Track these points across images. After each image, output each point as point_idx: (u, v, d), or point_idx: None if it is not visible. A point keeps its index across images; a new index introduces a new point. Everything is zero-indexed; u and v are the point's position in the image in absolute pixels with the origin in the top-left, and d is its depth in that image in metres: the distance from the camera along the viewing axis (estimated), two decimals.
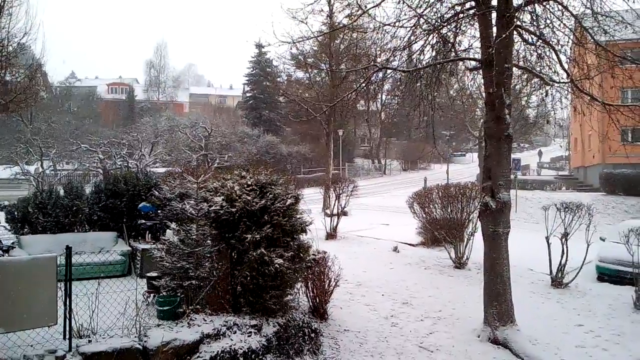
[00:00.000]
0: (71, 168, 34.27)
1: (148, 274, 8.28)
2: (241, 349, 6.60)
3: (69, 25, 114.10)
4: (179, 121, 47.28)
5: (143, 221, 11.57)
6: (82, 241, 10.97)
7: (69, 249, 6.30)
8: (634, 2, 7.98)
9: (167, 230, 8.37)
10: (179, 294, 7.27)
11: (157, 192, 11.48)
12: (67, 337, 5.97)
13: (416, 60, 9.95)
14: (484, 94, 9.60)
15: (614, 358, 7.98)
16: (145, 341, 6.18)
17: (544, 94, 9.78)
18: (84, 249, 10.32)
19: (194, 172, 11.95)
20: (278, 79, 50.53)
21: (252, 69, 55.57)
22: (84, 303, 6.49)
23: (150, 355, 6.06)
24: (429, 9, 9.22)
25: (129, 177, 13.08)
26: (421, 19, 9.24)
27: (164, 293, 7.34)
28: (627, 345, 8.47)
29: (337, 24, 18.72)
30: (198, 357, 6.31)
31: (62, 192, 12.56)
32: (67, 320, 6.02)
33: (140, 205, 11.70)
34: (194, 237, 7.67)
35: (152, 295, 7.92)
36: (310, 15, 32.49)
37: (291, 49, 29.78)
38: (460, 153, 66.87)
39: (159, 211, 11.20)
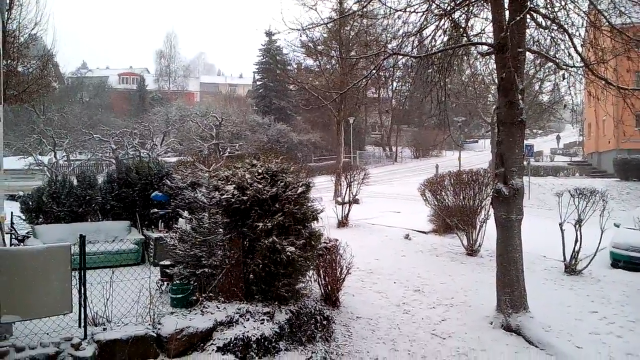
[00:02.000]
0: (84, 158, 34.51)
1: (161, 262, 8.36)
2: (254, 336, 6.64)
3: (79, 16, 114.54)
4: (190, 110, 47.36)
5: (156, 210, 11.63)
6: (95, 230, 11.07)
7: (82, 238, 6.36)
8: None
9: (180, 219, 8.42)
10: (192, 282, 7.33)
11: (169, 181, 11.58)
12: (82, 325, 6.06)
13: (428, 46, 9.84)
14: (496, 80, 9.48)
15: (628, 345, 7.92)
16: (159, 329, 6.25)
17: (558, 78, 9.64)
18: (97, 238, 10.44)
19: (205, 161, 12.02)
20: (288, 67, 50.36)
21: (262, 57, 55.39)
22: (98, 291, 6.57)
23: (164, 342, 6.13)
24: None
25: (141, 166, 13.14)
26: (433, 3, 9.12)
27: (177, 281, 7.41)
28: None
29: (346, 10, 18.56)
30: (211, 344, 6.37)
31: (75, 182, 12.67)
32: (82, 308, 6.11)
33: (152, 195, 11.76)
34: (206, 225, 7.71)
35: (165, 283, 8.00)
36: (319, 1, 32.24)
37: (301, 36, 29.70)
38: (472, 140, 66.31)
39: (171, 200, 11.28)
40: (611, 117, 14.12)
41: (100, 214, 12.51)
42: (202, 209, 8.06)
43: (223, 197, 7.57)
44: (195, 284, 7.35)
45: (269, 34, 51.01)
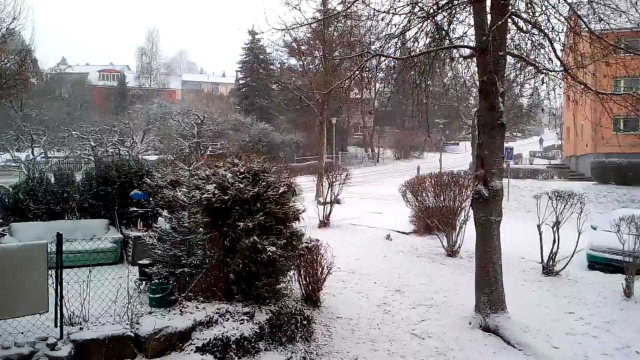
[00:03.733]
0: (62, 155, 33.96)
1: (140, 262, 8.27)
2: (233, 336, 6.61)
3: (58, 11, 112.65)
4: (171, 108, 46.96)
5: (135, 209, 11.50)
6: (73, 228, 10.90)
7: (59, 236, 6.26)
8: None
9: (159, 218, 8.35)
10: (171, 282, 7.27)
11: (149, 180, 11.43)
12: (59, 324, 5.96)
13: (410, 48, 9.90)
14: (477, 82, 9.57)
15: (603, 345, 8.06)
16: (137, 328, 6.19)
17: (538, 82, 9.77)
18: (75, 236, 10.26)
19: (186, 159, 11.92)
20: (271, 67, 50.24)
21: (245, 56, 55.18)
22: (75, 290, 6.47)
23: (142, 342, 6.07)
24: None
25: (121, 164, 12.98)
26: (416, 6, 9.18)
27: (156, 280, 7.33)
28: (616, 332, 8.55)
29: (330, 10, 18.59)
30: (190, 344, 6.32)
31: (53, 180, 12.46)
32: (59, 307, 6.00)
33: (132, 193, 11.62)
34: (186, 224, 7.65)
35: (144, 282, 7.91)
36: (303, 1, 32.19)
37: (284, 36, 29.63)
38: (453, 142, 66.98)
39: (150, 199, 11.15)
40: (589, 121, 14.37)
41: (78, 212, 12.32)
42: (182, 208, 7.99)
43: (204, 196, 7.51)
44: (175, 283, 7.28)
45: (252, 32, 50.83)
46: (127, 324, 6.27)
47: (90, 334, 5.90)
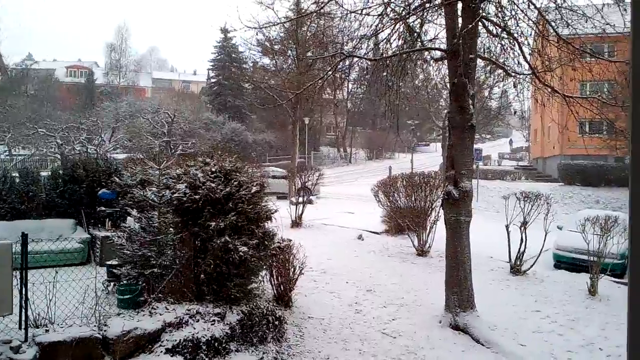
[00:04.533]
0: (27, 153, 33.03)
1: (108, 262, 8.12)
2: (204, 337, 6.54)
3: (25, 5, 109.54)
4: (141, 106, 46.12)
5: (103, 208, 11.28)
6: (39, 228, 10.63)
7: (24, 236, 6.10)
8: None
9: (128, 218, 8.21)
10: (140, 283, 7.15)
11: (117, 179, 11.23)
12: (23, 327, 5.80)
13: (383, 49, 9.98)
14: (448, 85, 9.71)
15: (568, 342, 8.28)
16: (105, 330, 6.06)
17: (507, 85, 9.97)
18: (40, 236, 10.01)
19: (156, 158, 11.74)
20: (244, 65, 49.89)
21: (217, 55, 54.63)
22: (41, 292, 6.31)
23: (110, 344, 5.95)
24: None
25: (89, 162, 12.71)
26: (388, 7, 9.25)
27: (125, 281, 7.21)
28: (580, 330, 8.80)
29: (304, 10, 18.57)
30: (160, 345, 6.23)
31: (17, 178, 12.12)
32: (23, 309, 5.84)
33: (100, 192, 11.39)
34: (156, 224, 7.55)
35: (112, 283, 7.77)
36: (276, 0, 32.09)
37: (257, 34, 29.41)
38: (424, 143, 67.75)
39: (119, 198, 10.96)
40: (556, 124, 14.73)
41: (43, 211, 12.00)
42: (152, 207, 7.88)
43: (174, 195, 7.42)
44: (144, 284, 7.17)
45: (224, 30, 50.35)
46: (95, 326, 6.13)
47: (57, 336, 5.75)
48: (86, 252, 10.52)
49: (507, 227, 12.21)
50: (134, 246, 7.45)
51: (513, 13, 9.00)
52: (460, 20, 8.79)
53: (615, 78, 9.98)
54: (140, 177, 10.50)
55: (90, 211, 11.69)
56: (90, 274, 7.27)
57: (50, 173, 13.05)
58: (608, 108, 10.12)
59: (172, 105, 43.65)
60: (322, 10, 11.12)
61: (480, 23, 8.78)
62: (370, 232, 16.56)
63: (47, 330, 5.90)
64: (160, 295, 7.06)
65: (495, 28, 9.31)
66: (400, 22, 9.35)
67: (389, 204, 15.75)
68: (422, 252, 13.87)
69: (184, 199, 7.37)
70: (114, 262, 7.81)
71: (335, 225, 18.05)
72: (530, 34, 9.41)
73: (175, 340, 6.31)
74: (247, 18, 34.59)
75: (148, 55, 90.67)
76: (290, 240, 9.16)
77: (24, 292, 5.88)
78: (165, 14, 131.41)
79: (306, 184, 18.59)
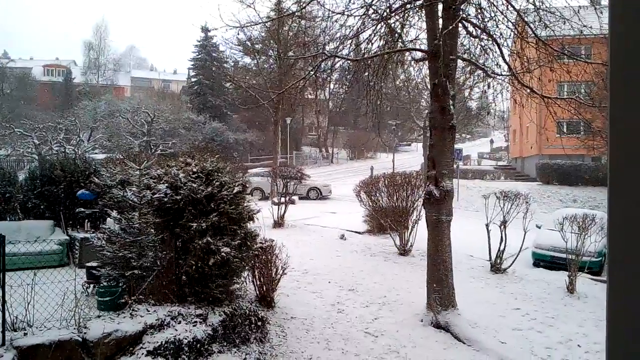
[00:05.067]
0: (3, 153, 32.40)
1: (88, 264, 8.02)
2: (186, 338, 6.49)
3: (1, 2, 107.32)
4: (120, 106, 45.48)
5: (82, 209, 11.13)
6: (16, 230, 10.44)
7: (1, 238, 5.99)
8: None
9: (108, 219, 8.11)
10: (120, 284, 7.07)
11: (96, 179, 11.09)
12: (1, 330, 5.69)
13: (364, 50, 10.02)
14: (429, 85, 9.79)
15: (547, 339, 8.42)
16: (85, 333, 5.98)
17: (487, 86, 10.09)
18: (18, 238, 9.83)
19: (136, 158, 11.61)
20: (225, 65, 49.59)
21: (197, 54, 54.17)
22: (19, 294, 6.20)
23: (90, 347, 5.88)
24: None
25: (67, 163, 12.52)
26: (370, 8, 9.29)
27: (105, 283, 7.12)
28: (559, 327, 8.95)
29: (285, 10, 18.55)
30: (141, 347, 6.17)
31: None
32: (0, 312, 5.73)
33: (78, 193, 11.23)
34: (136, 225, 7.47)
35: (92, 285, 7.67)
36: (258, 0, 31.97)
37: (238, 34, 29.26)
38: (405, 143, 68.09)
39: (98, 199, 10.82)
40: (535, 124, 14.95)
41: (21, 212, 11.81)
42: (132, 208, 7.79)
43: (155, 196, 7.35)
44: (125, 286, 7.09)
45: (205, 29, 50.02)
46: (75, 328, 6.05)
47: (35, 340, 5.66)
48: (65, 254, 10.36)
49: (487, 226, 12.36)
50: (114, 247, 7.36)
51: (493, 14, 9.12)
52: (440, 21, 8.87)
53: (593, 79, 10.17)
54: (119, 177, 10.39)
55: (69, 212, 11.52)
56: (69, 275, 7.16)
57: (27, 174, 12.81)
58: (585, 109, 10.30)
59: (152, 105, 43.16)
60: (303, 11, 11.13)
61: (460, 24, 8.88)
62: (353, 231, 16.61)
63: (25, 334, 5.81)
64: (141, 296, 6.99)
65: (475, 29, 9.42)
66: (382, 23, 9.40)
67: (371, 203, 15.80)
68: (404, 251, 13.95)
69: (165, 199, 7.31)
70: (94, 264, 7.71)
71: (317, 225, 18.06)
72: (510, 36, 9.55)
73: (157, 342, 6.26)
74: (228, 17, 34.37)
75: (127, 53, 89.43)
76: (273, 241, 9.14)
77: (1, 295, 5.77)
78: (144, 12, 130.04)
79: (288, 184, 18.51)
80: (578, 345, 8.25)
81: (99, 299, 6.88)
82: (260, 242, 8.61)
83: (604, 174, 26.16)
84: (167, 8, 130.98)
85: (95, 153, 31.25)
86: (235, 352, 7.09)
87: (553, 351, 8.02)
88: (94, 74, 72.39)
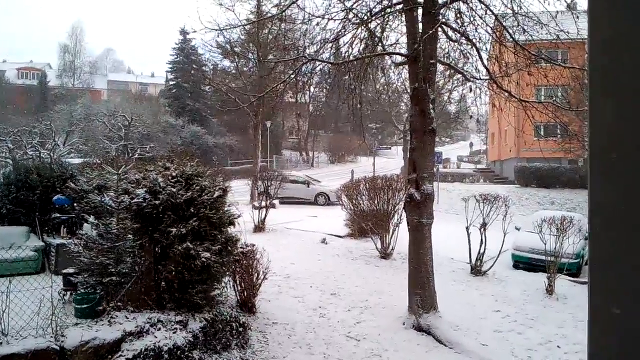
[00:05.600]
0: None
1: (64, 271, 7.83)
2: (166, 345, 6.38)
3: None
4: (97, 109, 44.88)
5: (58, 215, 10.90)
6: None
7: None
8: (548, 4, 8.48)
9: (85, 224, 7.95)
10: (98, 291, 6.93)
11: (73, 184, 10.88)
12: None
13: (345, 53, 10.03)
14: (408, 89, 9.84)
15: (528, 340, 8.50)
16: (62, 341, 5.84)
17: (466, 89, 10.18)
18: None
19: (114, 163, 11.44)
20: (204, 68, 49.25)
21: (176, 56, 53.76)
22: None
23: (67, 355, 5.74)
24: (358, 2, 9.31)
25: (43, 168, 12.26)
26: (350, 12, 9.31)
27: (82, 290, 6.97)
28: (539, 328, 9.05)
29: (265, 13, 18.50)
30: (120, 355, 6.04)
31: None
32: None
33: (54, 198, 11.00)
34: (114, 231, 7.33)
35: (69, 292, 7.50)
36: (237, 2, 31.91)
37: (218, 36, 29.14)
38: (386, 146, 68.50)
39: (75, 204, 10.61)
40: (513, 127, 15.15)
41: None
42: (109, 213, 7.65)
43: (133, 201, 7.22)
44: (103, 293, 6.94)
45: (184, 32, 49.68)
46: (52, 337, 5.89)
47: (11, 349, 5.50)
48: (40, 261, 10.12)
49: (467, 228, 12.46)
50: (91, 253, 7.21)
51: (472, 19, 9.21)
52: (420, 25, 8.92)
53: (569, 83, 10.34)
54: (97, 182, 10.20)
55: (45, 218, 11.26)
56: (45, 283, 6.97)
57: (1, 179, 12.50)
58: (562, 112, 10.47)
59: (129, 108, 42.64)
60: (283, 14, 11.10)
61: (440, 29, 8.94)
62: (334, 235, 16.58)
63: (0, 343, 5.64)
64: (119, 303, 6.85)
65: (455, 34, 9.51)
66: (362, 27, 9.43)
67: (352, 207, 15.82)
68: (385, 254, 13.98)
69: (144, 204, 7.18)
70: (71, 270, 7.54)
71: (298, 229, 17.99)
72: (489, 40, 9.66)
73: (136, 349, 6.13)
74: (207, 19, 34.10)
75: (104, 56, 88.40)
76: (254, 245, 9.06)
77: None
78: (121, 14, 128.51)
79: (268, 188, 18.42)
80: (558, 346, 8.34)
81: (77, 306, 6.73)
82: (241, 247, 8.53)
83: (581, 176, 26.69)
84: (145, 10, 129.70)
85: (71, 157, 30.67)
86: (217, 359, 7.01)
87: (533, 352, 8.10)
88: (69, 77, 71.19)
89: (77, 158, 29.69)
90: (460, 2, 9.14)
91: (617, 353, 0.79)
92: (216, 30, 12.69)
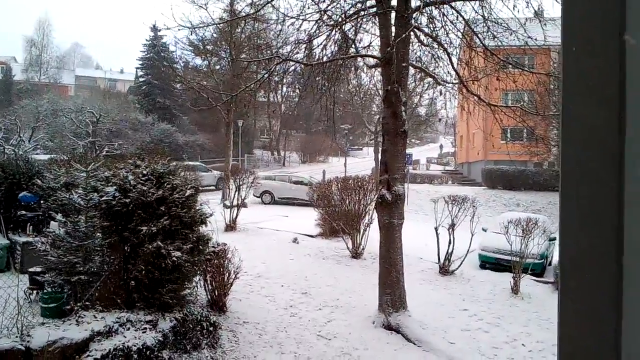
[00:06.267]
0: None
1: (30, 269, 7.67)
2: (135, 345, 6.32)
3: None
4: (63, 105, 43.79)
5: (24, 212, 10.64)
6: None
7: None
8: (518, 11, 8.73)
9: (52, 222, 7.78)
10: (66, 290, 6.82)
11: (39, 181, 10.63)
12: None
13: (318, 55, 10.09)
14: (380, 91, 9.98)
15: (494, 339, 8.72)
16: (28, 341, 5.72)
17: (436, 93, 10.38)
18: None
19: (82, 160, 11.23)
20: (175, 65, 48.64)
21: (146, 53, 52.90)
22: None
23: (34, 355, 5.63)
24: (332, 4, 9.38)
25: (7, 164, 11.94)
26: (324, 14, 9.38)
27: (49, 289, 6.85)
28: (505, 327, 9.29)
29: (238, 12, 18.40)
30: (88, 355, 5.95)
31: None
32: None
33: (20, 195, 10.74)
34: (82, 229, 7.21)
35: (35, 292, 7.34)
36: (210, 0, 31.62)
37: (191, 34, 28.81)
38: (357, 147, 68.82)
39: (42, 201, 10.38)
40: (481, 131, 15.47)
41: None
42: (77, 211, 7.51)
43: (103, 199, 7.13)
44: (70, 292, 6.83)
45: (155, 29, 48.94)
46: (17, 337, 5.77)
47: None
48: (5, 259, 9.87)
49: (436, 229, 12.67)
50: (58, 252, 7.07)
51: (443, 24, 9.39)
52: (393, 29, 9.05)
53: (536, 88, 10.64)
54: (64, 179, 9.99)
55: (10, 215, 10.98)
56: (11, 281, 6.83)
57: None
58: (529, 116, 10.77)
59: (98, 104, 41.79)
60: (257, 14, 11.09)
61: (412, 33, 9.09)
62: (305, 235, 16.63)
63: None
64: (87, 303, 6.74)
65: (427, 38, 9.68)
66: (336, 29, 9.50)
67: (323, 207, 15.89)
68: (356, 254, 14.09)
69: (113, 202, 7.10)
70: (37, 269, 7.39)
71: (270, 228, 17.97)
72: (459, 45, 9.86)
73: (105, 349, 6.06)
74: (180, 17, 33.72)
75: (71, 51, 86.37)
76: (225, 245, 9.04)
77: None
78: (90, 8, 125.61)
79: (240, 187, 18.34)
80: (522, 344, 8.58)
81: (43, 305, 6.60)
82: (213, 246, 8.50)
83: (545, 179, 27.40)
84: (115, 5, 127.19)
85: (37, 154, 29.90)
86: (187, 358, 6.98)
87: (499, 351, 8.31)
88: (35, 71, 69.27)
89: (43, 154, 28.96)
90: (433, 7, 9.31)
91: (587, 353, 0.79)
92: (189, 27, 12.58)
